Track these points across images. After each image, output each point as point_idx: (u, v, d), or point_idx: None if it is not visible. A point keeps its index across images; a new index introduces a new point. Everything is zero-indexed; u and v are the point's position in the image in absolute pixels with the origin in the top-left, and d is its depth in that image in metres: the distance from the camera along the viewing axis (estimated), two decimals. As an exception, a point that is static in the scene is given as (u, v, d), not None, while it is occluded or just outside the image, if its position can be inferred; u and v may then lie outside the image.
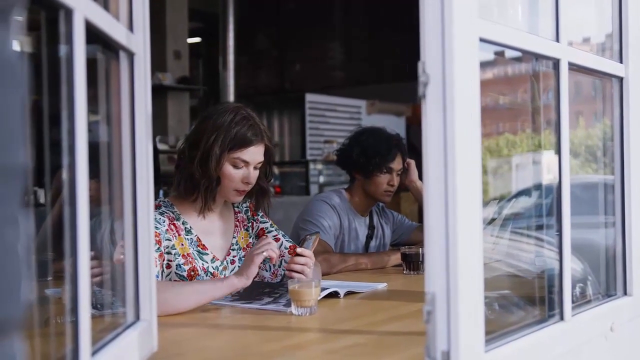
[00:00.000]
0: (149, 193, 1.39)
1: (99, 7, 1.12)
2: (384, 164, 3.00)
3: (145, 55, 1.39)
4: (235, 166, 2.20)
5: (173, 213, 2.23)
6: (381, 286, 2.36)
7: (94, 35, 1.10)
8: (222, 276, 2.25)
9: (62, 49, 1.00)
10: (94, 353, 1.08)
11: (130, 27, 1.35)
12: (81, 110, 1.01)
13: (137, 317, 1.37)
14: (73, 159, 1.00)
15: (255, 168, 2.24)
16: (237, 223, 2.39)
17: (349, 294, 2.19)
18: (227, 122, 2.17)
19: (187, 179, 2.21)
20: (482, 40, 1.25)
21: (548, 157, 1.84)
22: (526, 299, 1.68)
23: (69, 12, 0.99)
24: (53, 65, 1.01)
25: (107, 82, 1.33)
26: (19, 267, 0.57)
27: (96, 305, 1.33)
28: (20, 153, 0.57)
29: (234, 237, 2.35)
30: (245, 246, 2.37)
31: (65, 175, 1.00)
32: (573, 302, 1.55)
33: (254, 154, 2.22)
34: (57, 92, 1.00)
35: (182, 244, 2.19)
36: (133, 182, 1.36)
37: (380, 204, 3.21)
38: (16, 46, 0.61)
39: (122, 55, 1.33)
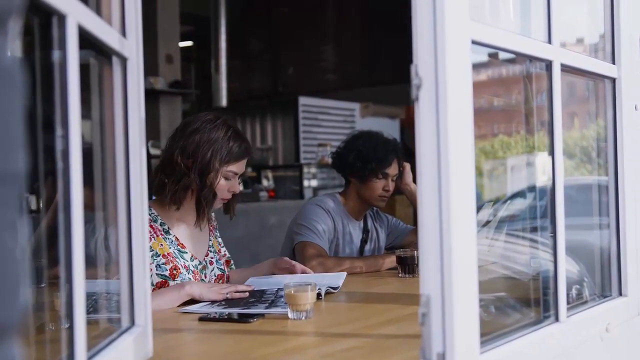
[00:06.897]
0: (143, 198, 1.39)
1: (91, 13, 1.12)
2: (380, 169, 2.98)
3: (138, 60, 1.38)
4: (226, 178, 2.32)
5: (150, 215, 2.26)
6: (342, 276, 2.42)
7: (86, 40, 1.10)
8: (203, 275, 2.36)
9: (55, 54, 1.00)
10: (89, 359, 1.08)
11: (123, 32, 1.34)
12: (74, 115, 1.00)
13: (132, 323, 1.37)
14: (67, 165, 0.99)
15: (239, 177, 2.37)
16: (212, 228, 2.50)
17: (329, 293, 2.23)
18: (221, 137, 2.28)
19: (183, 189, 2.27)
20: (474, 42, 1.25)
21: (542, 159, 1.84)
22: (522, 301, 1.68)
23: (62, 18, 0.99)
24: (45, 70, 1.01)
25: (100, 88, 1.33)
26: (18, 271, 0.57)
27: (89, 310, 1.33)
28: (19, 159, 0.58)
29: (210, 240, 2.46)
30: (217, 251, 2.48)
31: (59, 181, 0.99)
32: (569, 303, 1.56)
33: (244, 166, 2.37)
34: (50, 97, 1.00)
35: (162, 244, 2.26)
36: (127, 187, 1.36)
37: (375, 208, 3.21)
38: (14, 52, 0.61)
39: (115, 61, 1.33)
